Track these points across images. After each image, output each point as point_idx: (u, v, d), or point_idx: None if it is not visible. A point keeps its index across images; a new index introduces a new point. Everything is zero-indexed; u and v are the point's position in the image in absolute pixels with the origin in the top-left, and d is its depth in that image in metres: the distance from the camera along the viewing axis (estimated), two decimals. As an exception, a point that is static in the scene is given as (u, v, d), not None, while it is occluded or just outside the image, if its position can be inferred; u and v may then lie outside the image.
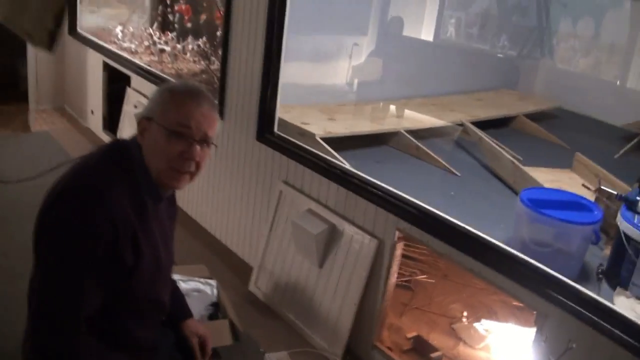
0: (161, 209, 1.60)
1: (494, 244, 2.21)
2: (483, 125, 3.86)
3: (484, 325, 2.97)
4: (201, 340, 1.81)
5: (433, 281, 3.26)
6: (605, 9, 4.98)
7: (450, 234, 2.32)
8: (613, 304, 2.10)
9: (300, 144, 2.97)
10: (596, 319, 1.90)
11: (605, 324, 1.88)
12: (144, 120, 1.50)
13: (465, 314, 3.03)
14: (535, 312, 2.13)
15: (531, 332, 2.71)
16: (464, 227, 2.30)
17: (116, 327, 1.53)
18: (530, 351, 2.15)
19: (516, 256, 2.15)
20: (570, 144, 3.95)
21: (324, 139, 3.11)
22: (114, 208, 1.39)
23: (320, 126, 3.28)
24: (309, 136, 3.14)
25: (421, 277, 3.23)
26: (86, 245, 1.36)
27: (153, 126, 1.47)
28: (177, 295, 1.88)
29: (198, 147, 1.48)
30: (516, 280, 2.13)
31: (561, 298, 2.01)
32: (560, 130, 4.29)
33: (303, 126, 3.21)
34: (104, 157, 1.51)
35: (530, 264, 2.11)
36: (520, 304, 3.02)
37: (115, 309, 1.50)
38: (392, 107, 4.10)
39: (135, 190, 1.48)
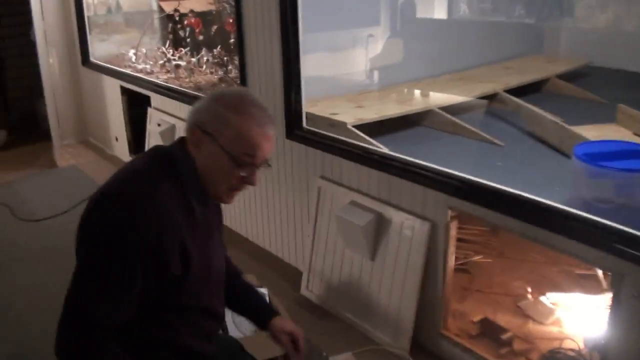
0: (209, 215, 1.53)
1: (553, 206, 2.07)
2: (516, 92, 3.71)
3: (550, 299, 2.82)
4: (292, 338, 1.71)
5: (490, 260, 3.11)
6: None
7: (506, 203, 2.19)
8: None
9: (333, 135, 2.86)
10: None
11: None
12: (199, 132, 1.41)
13: (529, 290, 2.88)
14: (609, 274, 1.99)
15: (600, 299, 2.58)
16: (519, 195, 2.17)
17: (168, 335, 1.47)
18: (608, 316, 2.01)
19: (579, 216, 2.02)
20: (607, 98, 3.78)
21: (356, 127, 2.99)
22: (160, 214, 1.33)
23: (349, 114, 3.15)
24: (339, 126, 3.02)
25: (477, 258, 3.09)
26: (126, 252, 1.30)
27: (214, 145, 1.40)
28: (257, 296, 1.83)
29: (259, 172, 1.45)
30: (584, 241, 1.99)
31: (636, 253, 1.87)
32: (594, 86, 4.11)
33: (332, 117, 3.10)
34: (147, 162, 1.44)
35: (597, 221, 1.97)
36: (585, 272, 2.90)
37: (167, 317, 1.44)
38: (419, 89, 3.97)
39: (182, 194, 1.41)
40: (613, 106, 3.35)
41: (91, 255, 1.33)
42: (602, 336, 2.13)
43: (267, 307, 1.83)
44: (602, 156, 2.20)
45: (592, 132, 3.05)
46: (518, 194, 2.17)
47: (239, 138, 1.39)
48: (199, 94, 3.76)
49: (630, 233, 1.92)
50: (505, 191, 2.20)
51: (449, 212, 2.36)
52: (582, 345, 2.53)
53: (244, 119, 1.40)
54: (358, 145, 2.75)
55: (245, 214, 3.51)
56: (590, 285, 2.82)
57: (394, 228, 2.56)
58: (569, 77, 4.34)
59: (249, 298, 1.79)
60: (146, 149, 4.41)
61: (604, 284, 2.64)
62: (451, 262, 2.46)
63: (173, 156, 1.44)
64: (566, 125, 2.93)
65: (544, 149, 2.95)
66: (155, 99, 4.35)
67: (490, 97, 3.63)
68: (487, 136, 3.01)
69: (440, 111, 3.25)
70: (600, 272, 2.68)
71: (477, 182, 2.27)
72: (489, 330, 2.60)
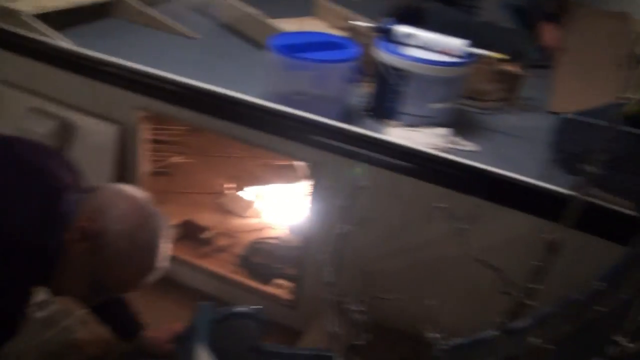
0: None
1: (249, 101, 2.00)
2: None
3: (248, 193, 2.86)
4: None
5: (191, 161, 2.98)
6: None
7: (200, 100, 2.04)
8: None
9: (7, 27, 2.37)
10: (374, 154, 1.82)
11: (384, 157, 1.84)
12: None
13: (226, 185, 2.85)
14: (309, 164, 1.98)
15: (300, 187, 2.65)
16: (214, 90, 2.03)
17: None
18: (308, 203, 2.03)
19: (275, 109, 1.97)
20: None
21: (38, 17, 2.50)
22: None
23: (29, 2, 2.64)
24: (15, 16, 2.51)
25: (177, 159, 2.93)
26: None
27: None
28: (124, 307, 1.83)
29: None
30: (281, 134, 1.97)
31: (332, 142, 1.89)
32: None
33: (7, 4, 2.56)
34: None
35: (292, 114, 1.96)
36: (285, 163, 2.94)
37: None
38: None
39: None
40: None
41: None
42: (304, 222, 2.16)
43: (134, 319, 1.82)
44: (298, 48, 2.13)
45: (291, 26, 2.99)
46: (213, 90, 2.03)
47: None
48: None
49: (325, 123, 1.92)
50: (198, 87, 2.03)
51: (138, 113, 2.12)
52: (285, 233, 2.59)
53: None
54: (39, 41, 2.31)
55: None
56: (289, 175, 2.89)
57: (82, 135, 2.25)
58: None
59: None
60: None
61: (302, 173, 2.69)
62: (145, 166, 2.26)
63: None
64: (263, 18, 2.82)
65: (242, 43, 2.81)
66: None
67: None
68: (182, 29, 2.77)
69: (131, 1, 2.91)
70: (299, 163, 2.72)
71: (168, 78, 2.06)
72: (191, 232, 2.53)
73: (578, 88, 2.72)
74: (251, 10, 2.90)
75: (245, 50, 2.73)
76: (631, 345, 0.95)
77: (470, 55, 2.18)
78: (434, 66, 2.08)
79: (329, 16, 3.16)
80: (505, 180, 1.78)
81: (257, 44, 2.73)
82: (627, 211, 1.65)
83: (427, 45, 2.18)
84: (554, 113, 2.45)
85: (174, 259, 2.25)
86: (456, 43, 2.16)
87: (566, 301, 1.19)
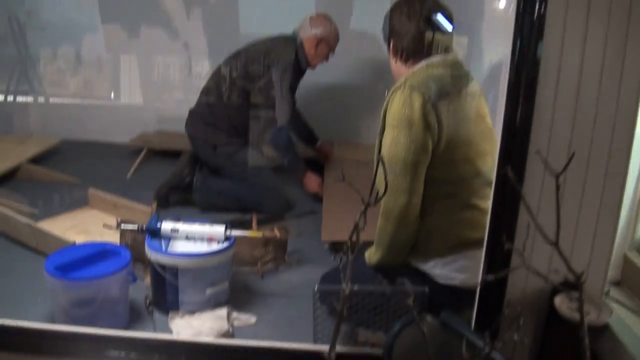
0: None
1: (27, 328, 2.01)
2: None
3: None
4: None
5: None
6: (83, 32, 4.97)
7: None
8: (171, 329, 2.19)
9: None
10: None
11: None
12: None
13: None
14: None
15: None
16: None
17: None
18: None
19: (59, 332, 2.03)
20: (82, 176, 3.89)
21: None
22: None
23: None
24: None
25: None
26: None
27: None
28: None
29: None
30: (59, 356, 1.98)
31: (119, 353, 1.99)
32: (69, 164, 4.19)
33: None
34: None
35: (77, 333, 2.02)
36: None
37: None
38: None
39: None
40: (87, 185, 3.48)
41: None
42: None
43: None
44: (75, 264, 2.24)
45: (67, 223, 3.11)
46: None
47: None
48: None
49: (111, 336, 2.00)
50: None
51: None
52: None
53: None
54: None
55: None
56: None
57: None
58: (44, 156, 4.31)
59: None
60: None
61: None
62: None
63: None
64: (39, 226, 2.89)
65: (25, 252, 2.85)
66: None
67: None
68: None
69: None
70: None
71: None
72: None
73: (344, 217, 3.13)
74: (25, 213, 2.99)
75: (29, 261, 2.76)
76: None
77: (232, 237, 2.45)
78: (200, 258, 2.32)
79: (102, 205, 3.34)
80: (279, 351, 2.02)
81: (40, 252, 2.79)
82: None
83: (193, 236, 2.43)
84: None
85: None
86: (218, 230, 2.43)
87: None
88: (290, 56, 3.52)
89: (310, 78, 3.81)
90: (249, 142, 3.63)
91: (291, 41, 3.59)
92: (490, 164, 1.97)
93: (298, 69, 3.61)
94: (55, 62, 5.23)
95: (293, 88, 3.63)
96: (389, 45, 2.12)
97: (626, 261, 2.03)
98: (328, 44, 3.59)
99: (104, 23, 4.86)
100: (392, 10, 2.07)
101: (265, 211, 3.34)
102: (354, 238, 1.30)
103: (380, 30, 2.17)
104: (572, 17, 1.50)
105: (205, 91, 3.68)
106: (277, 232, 2.78)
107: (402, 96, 1.93)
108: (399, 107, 1.92)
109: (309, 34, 3.55)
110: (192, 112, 3.70)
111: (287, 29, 3.63)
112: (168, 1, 4.75)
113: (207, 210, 3.44)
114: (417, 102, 1.90)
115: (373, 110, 4.29)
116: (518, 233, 1.57)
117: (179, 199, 3.51)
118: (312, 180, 3.60)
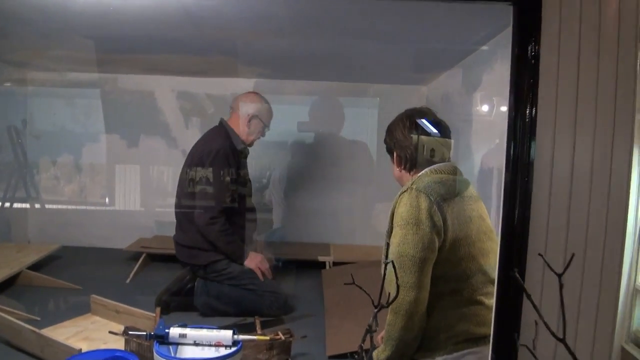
0: None
1: None
2: None
3: None
4: None
5: None
6: (80, 141, 5.15)
7: None
8: None
9: None
10: None
11: None
12: None
13: None
14: None
15: None
16: None
17: None
18: None
19: None
20: (82, 283, 3.93)
21: None
22: None
23: None
24: None
25: None
26: None
27: None
28: None
29: None
30: None
31: None
32: (69, 271, 4.23)
33: None
34: None
35: None
36: None
37: None
38: None
39: None
40: (88, 291, 3.50)
41: None
42: None
43: None
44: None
45: (72, 330, 3.12)
46: None
47: None
48: None
49: None
50: None
51: None
52: None
53: None
54: None
55: None
56: None
57: None
58: (43, 263, 4.36)
59: None
60: None
61: None
62: None
63: None
64: (43, 333, 2.91)
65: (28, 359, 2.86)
66: None
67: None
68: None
69: None
70: None
71: None
72: None
73: (346, 327, 3.17)
74: (30, 325, 3.00)
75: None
76: None
77: (239, 341, 2.49)
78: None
79: (104, 312, 3.36)
80: None
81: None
82: None
83: (200, 341, 2.46)
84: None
85: None
86: (226, 334, 2.47)
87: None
88: (219, 142, 3.57)
89: (307, 183, 3.94)
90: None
91: (219, 128, 3.69)
92: (492, 261, 2.09)
93: (234, 150, 3.61)
94: (53, 170, 5.38)
95: (239, 169, 3.62)
96: (391, 155, 2.32)
97: (624, 353, 2.09)
98: (261, 119, 3.68)
99: (106, 133, 5.05)
100: (394, 124, 2.28)
101: (265, 314, 3.38)
102: (366, 341, 1.36)
103: (376, 140, 2.36)
104: (562, 118, 1.65)
105: (177, 204, 3.75)
106: (281, 335, 2.81)
107: (410, 198, 2.08)
108: (407, 208, 2.07)
109: (241, 112, 3.63)
110: (176, 242, 3.73)
111: (284, 137, 3.79)
112: (168, 114, 4.98)
113: (208, 314, 3.48)
114: (424, 203, 2.05)
115: (367, 213, 4.44)
116: (522, 329, 1.65)
117: (180, 304, 3.54)
118: (252, 258, 3.63)
